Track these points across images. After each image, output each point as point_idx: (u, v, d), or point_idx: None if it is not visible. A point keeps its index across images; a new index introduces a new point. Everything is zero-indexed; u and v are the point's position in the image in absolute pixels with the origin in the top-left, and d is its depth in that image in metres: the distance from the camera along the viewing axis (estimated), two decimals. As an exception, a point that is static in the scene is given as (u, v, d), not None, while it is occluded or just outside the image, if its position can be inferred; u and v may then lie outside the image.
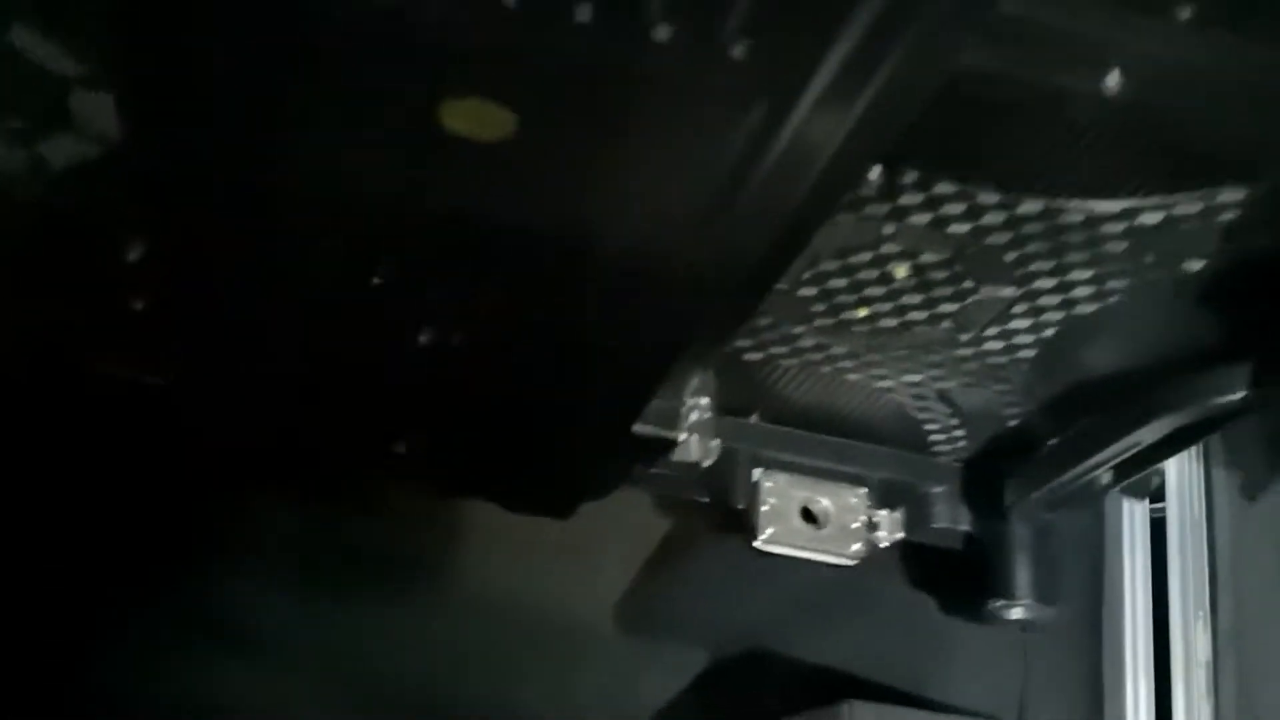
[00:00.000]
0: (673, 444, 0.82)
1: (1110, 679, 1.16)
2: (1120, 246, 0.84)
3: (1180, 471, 1.17)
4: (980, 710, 1.21)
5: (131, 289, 0.91)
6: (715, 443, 0.87)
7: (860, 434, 1.17)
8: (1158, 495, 1.18)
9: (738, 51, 0.46)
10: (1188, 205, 0.79)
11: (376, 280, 0.61)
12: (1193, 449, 1.14)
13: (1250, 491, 1.10)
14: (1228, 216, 0.79)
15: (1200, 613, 1.10)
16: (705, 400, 0.85)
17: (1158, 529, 1.16)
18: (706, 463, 0.88)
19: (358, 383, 0.75)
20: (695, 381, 0.83)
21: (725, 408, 1.12)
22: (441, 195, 0.55)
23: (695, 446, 0.84)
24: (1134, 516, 1.20)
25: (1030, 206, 0.81)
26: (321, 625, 1.21)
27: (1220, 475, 1.13)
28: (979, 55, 0.65)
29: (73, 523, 1.16)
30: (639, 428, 0.79)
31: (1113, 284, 0.88)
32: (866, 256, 0.89)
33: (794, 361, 1.04)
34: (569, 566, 1.20)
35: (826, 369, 1.05)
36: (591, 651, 1.26)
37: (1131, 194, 0.78)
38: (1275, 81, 0.65)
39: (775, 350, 1.03)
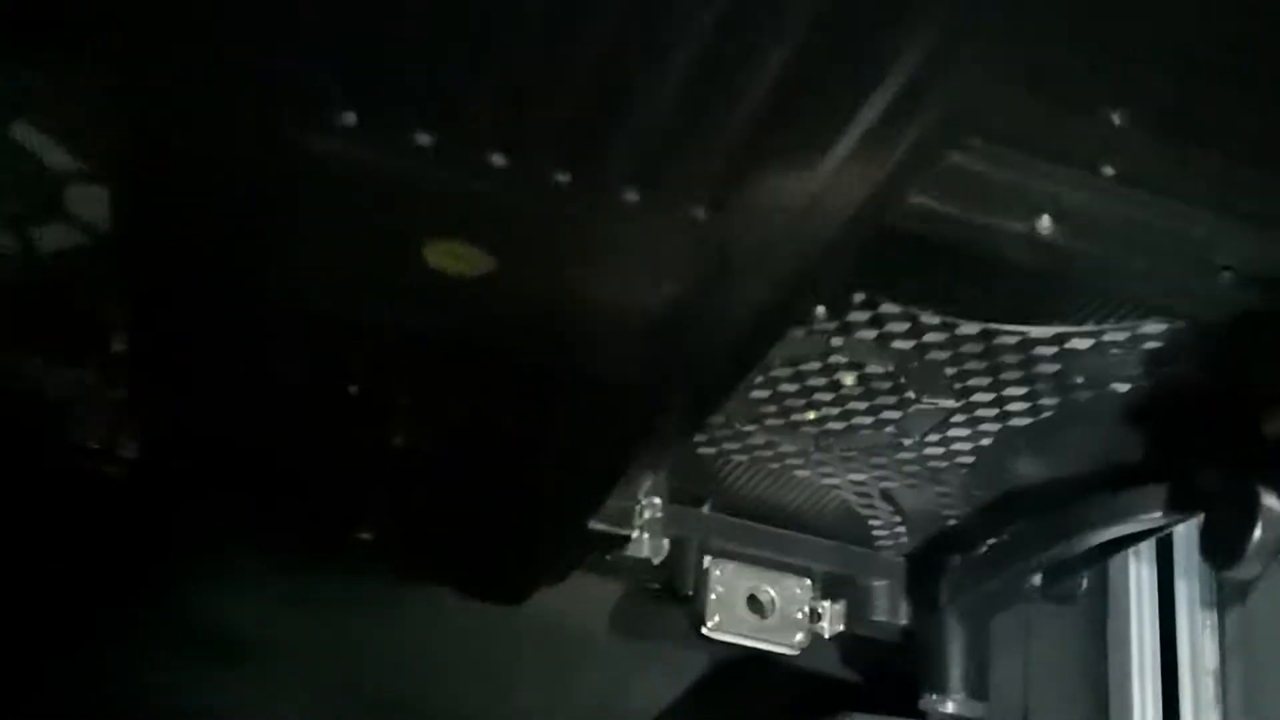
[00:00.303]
0: (626, 540, 0.86)
1: (1116, 689, 1.13)
2: (1052, 368, 0.89)
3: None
4: None
5: (111, 370, 0.95)
6: (665, 541, 0.91)
7: (807, 527, 1.21)
8: None
9: (699, 212, 0.51)
10: (1115, 334, 0.85)
11: (352, 389, 0.65)
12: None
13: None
14: (1151, 346, 0.85)
15: (1207, 621, 1.09)
16: (657, 500, 0.89)
17: (1164, 536, 1.13)
18: (657, 559, 0.92)
19: (330, 474, 0.79)
20: (648, 482, 0.88)
21: (678, 497, 1.17)
22: (420, 321, 0.59)
23: (647, 544, 0.88)
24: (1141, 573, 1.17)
25: (968, 329, 0.86)
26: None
27: None
28: (921, 198, 0.70)
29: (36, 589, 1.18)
30: (594, 524, 0.83)
31: (1045, 401, 0.94)
32: (816, 365, 0.94)
33: (745, 457, 1.08)
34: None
35: (776, 465, 1.10)
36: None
37: (1062, 322, 0.84)
38: (1187, 234, 0.71)
39: (727, 446, 1.07)
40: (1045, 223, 0.72)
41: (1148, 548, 1.15)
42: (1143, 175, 0.69)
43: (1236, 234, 0.71)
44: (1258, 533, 0.73)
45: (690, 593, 1.18)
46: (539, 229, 0.51)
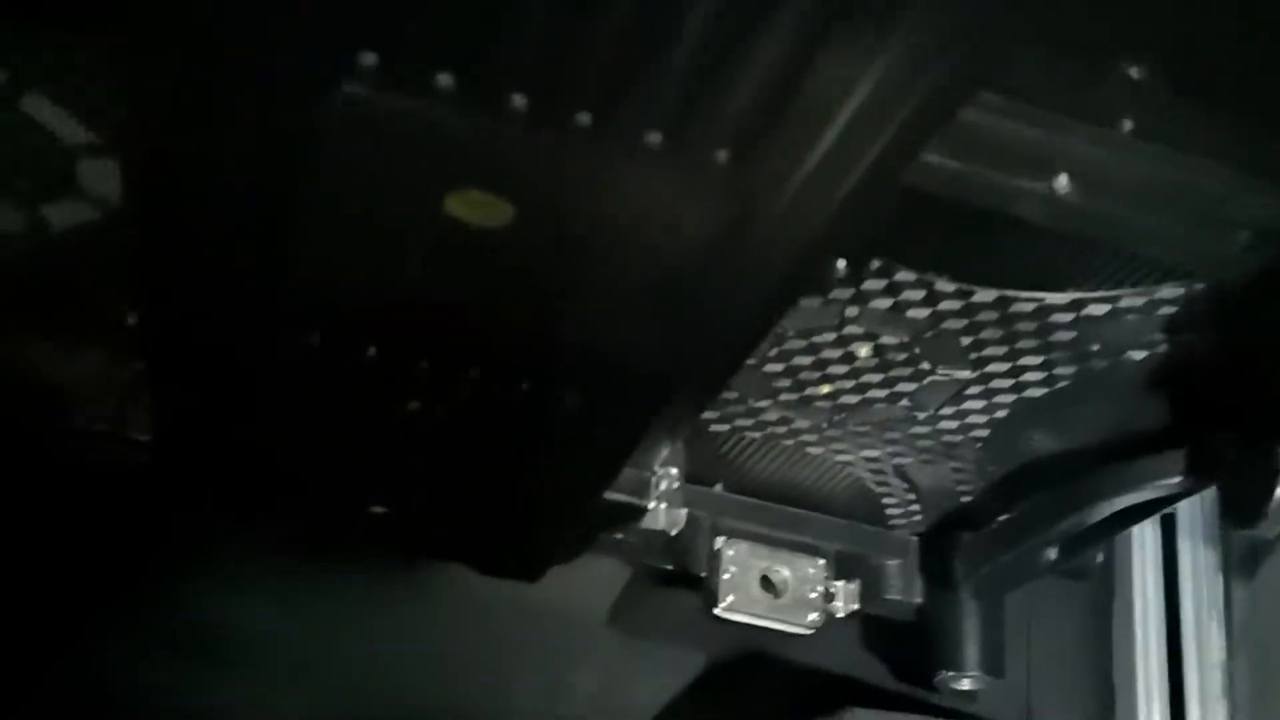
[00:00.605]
0: (642, 511, 0.86)
1: (1121, 684, 1.13)
2: (1068, 335, 0.89)
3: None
4: (984, 713, 1.19)
5: (123, 351, 0.94)
6: (682, 511, 0.91)
7: (820, 506, 1.21)
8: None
9: (721, 157, 0.50)
10: (1131, 299, 0.85)
11: (371, 352, 0.65)
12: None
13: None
14: (1168, 311, 0.84)
15: (1214, 612, 1.09)
16: (674, 470, 0.89)
17: (1168, 526, 1.15)
18: (673, 531, 0.91)
19: (343, 446, 0.79)
20: (665, 452, 0.87)
21: (690, 477, 1.16)
22: (437, 280, 0.59)
23: (663, 515, 0.88)
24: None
25: (984, 295, 0.86)
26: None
27: None
28: (938, 157, 0.70)
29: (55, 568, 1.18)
30: (610, 495, 0.83)
31: (1061, 370, 0.93)
32: (830, 337, 0.93)
33: (758, 434, 1.08)
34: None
35: (789, 442, 1.10)
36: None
37: (1079, 287, 0.84)
38: (1205, 192, 0.70)
39: (740, 423, 1.07)
40: (1063, 181, 0.72)
41: (1153, 539, 1.15)
42: (1161, 131, 0.69)
43: (1256, 192, 0.71)
44: (1279, 492, 0.72)
45: (703, 573, 1.17)
46: (560, 174, 0.51)
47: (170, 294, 0.71)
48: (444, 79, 0.47)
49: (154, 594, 1.22)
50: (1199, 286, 0.80)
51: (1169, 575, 1.14)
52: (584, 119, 0.48)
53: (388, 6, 0.44)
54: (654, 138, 0.48)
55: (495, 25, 0.45)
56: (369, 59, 0.46)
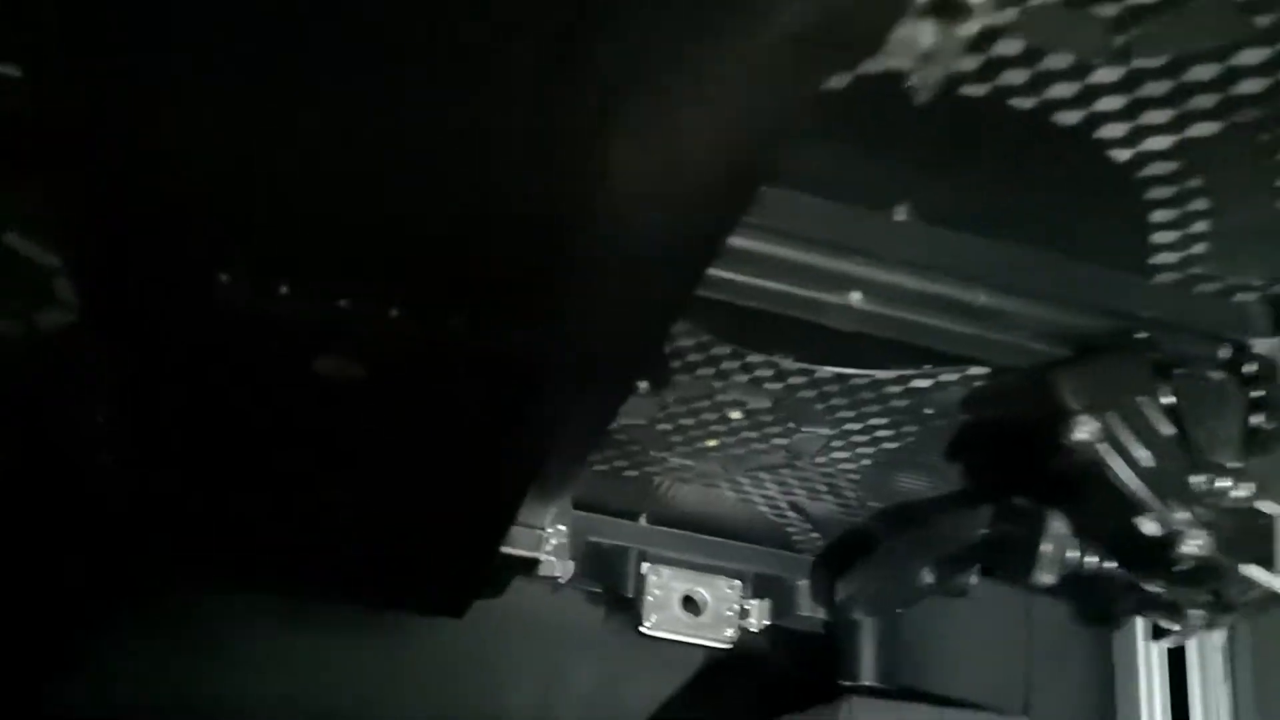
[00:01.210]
0: (536, 563, 1.02)
1: (1122, 665, 1.11)
2: (903, 402, 1.04)
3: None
4: (984, 701, 1.22)
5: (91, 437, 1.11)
6: (570, 563, 1.07)
7: (735, 534, 1.36)
8: None
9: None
10: (948, 375, 0.99)
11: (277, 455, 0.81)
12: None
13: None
14: (980, 384, 0.99)
15: None
16: (563, 527, 1.04)
17: None
18: (565, 579, 1.07)
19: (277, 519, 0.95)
20: (553, 512, 1.03)
21: (618, 512, 1.33)
22: (318, 415, 0.75)
23: (556, 565, 1.04)
24: None
25: (824, 373, 1.01)
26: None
27: None
28: (747, 275, 0.85)
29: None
30: (506, 549, 0.99)
31: (906, 427, 1.08)
32: (705, 403, 1.08)
33: (666, 479, 1.23)
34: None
35: (696, 483, 1.25)
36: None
37: (901, 367, 0.98)
38: (972, 304, 0.85)
39: (649, 469, 1.22)
40: (857, 296, 0.86)
41: None
42: (926, 260, 0.83)
43: (1012, 303, 0.85)
44: (1045, 548, 0.87)
45: (630, 595, 1.33)
46: (387, 349, 0.67)
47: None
48: (283, 288, 0.62)
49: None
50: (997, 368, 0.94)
51: None
52: (396, 313, 0.63)
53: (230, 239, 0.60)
54: (457, 323, 0.63)
55: (317, 256, 0.60)
56: (223, 277, 0.62)
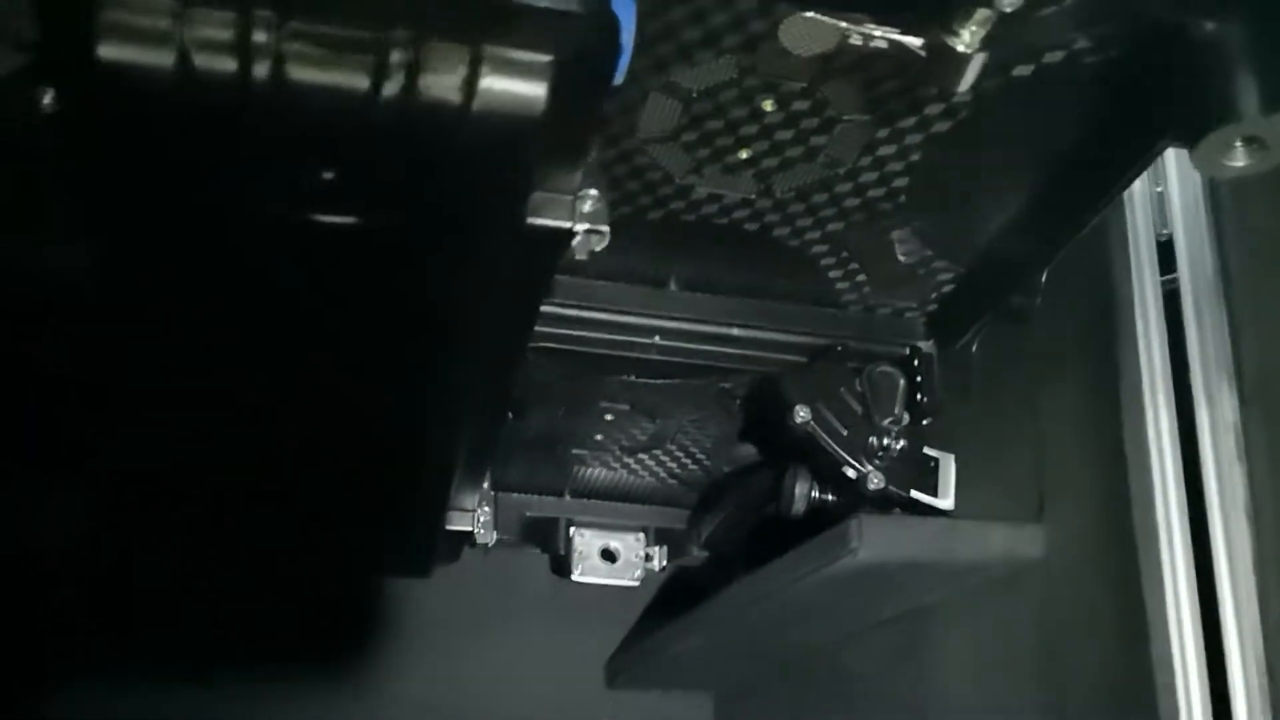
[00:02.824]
0: (471, 535, 1.47)
1: (1133, 455, 1.08)
2: (711, 398, 1.49)
3: (1189, 235, 1.12)
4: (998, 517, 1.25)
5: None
6: (494, 535, 1.52)
7: (637, 499, 1.82)
8: (1168, 266, 1.12)
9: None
10: (725, 381, 1.44)
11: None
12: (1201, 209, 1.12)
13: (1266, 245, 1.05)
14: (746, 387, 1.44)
15: (1223, 372, 1.04)
16: (487, 508, 1.50)
17: (1171, 300, 1.11)
18: (491, 543, 1.53)
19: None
20: (479, 496, 1.48)
21: (547, 489, 1.79)
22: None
23: (483, 535, 1.49)
24: (1144, 286, 1.13)
25: (656, 382, 1.46)
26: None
27: (1232, 231, 1.08)
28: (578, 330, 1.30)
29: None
30: (450, 525, 1.44)
31: (719, 417, 1.53)
32: (586, 416, 1.53)
33: (580, 466, 1.68)
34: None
35: (602, 466, 1.70)
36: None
37: (700, 377, 1.43)
38: (730, 334, 1.29)
39: (567, 461, 1.68)
40: (658, 338, 1.31)
41: (1155, 309, 1.11)
42: (694, 313, 1.28)
43: (756, 334, 1.30)
44: (796, 490, 1.32)
45: (562, 552, 1.79)
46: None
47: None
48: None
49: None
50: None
51: (1175, 346, 1.09)
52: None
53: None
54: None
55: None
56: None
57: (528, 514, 1.78)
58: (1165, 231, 1.14)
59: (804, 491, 1.30)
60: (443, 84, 0.73)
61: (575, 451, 1.62)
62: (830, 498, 1.30)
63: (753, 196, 1.08)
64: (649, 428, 1.55)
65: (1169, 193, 1.15)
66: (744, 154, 1.03)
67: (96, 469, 1.20)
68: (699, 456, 1.63)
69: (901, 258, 1.17)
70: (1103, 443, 1.12)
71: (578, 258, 0.89)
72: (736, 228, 1.13)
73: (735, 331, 1.27)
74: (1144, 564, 1.06)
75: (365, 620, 1.80)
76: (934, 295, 1.24)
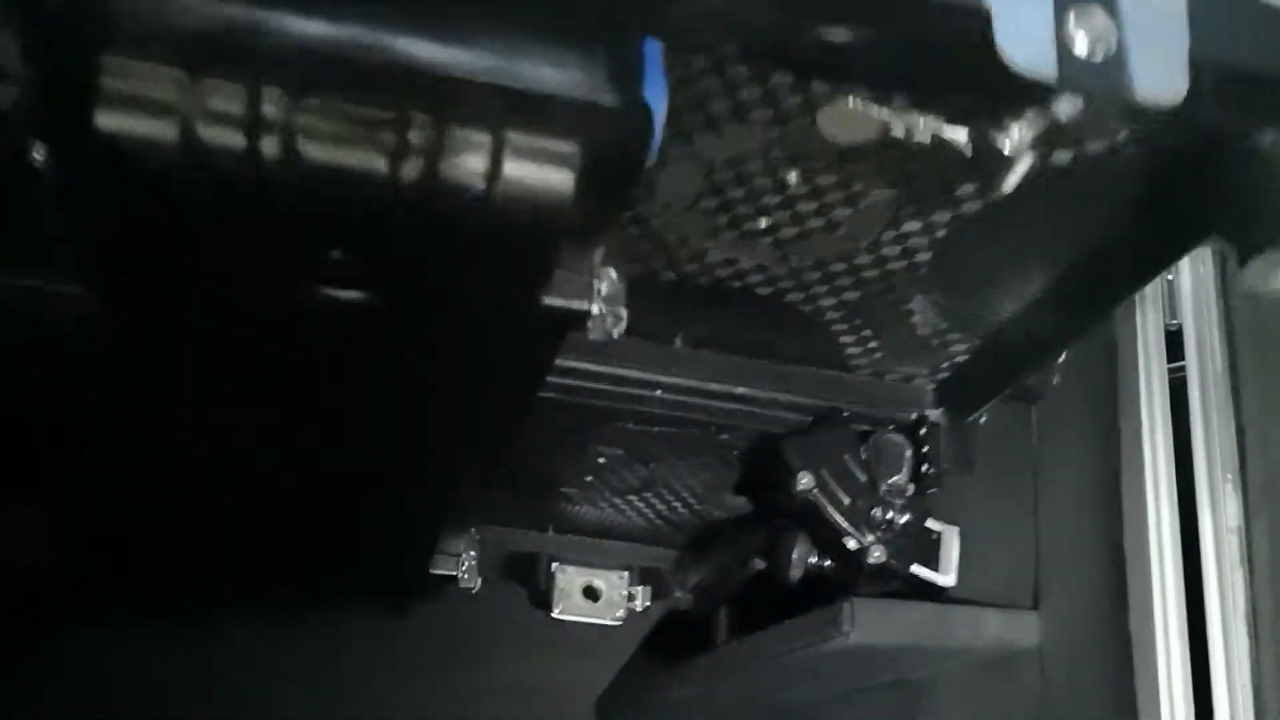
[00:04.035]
0: (455, 579, 1.43)
1: (1133, 552, 1.07)
2: (709, 447, 1.45)
3: (1199, 327, 1.10)
4: (992, 598, 1.25)
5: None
6: (479, 579, 1.48)
7: (622, 536, 1.78)
8: (1176, 354, 1.10)
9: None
10: (726, 435, 1.40)
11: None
12: (1212, 304, 1.10)
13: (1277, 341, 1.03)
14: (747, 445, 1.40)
15: (1228, 474, 1.03)
16: (473, 553, 1.45)
17: (1178, 390, 1.09)
18: (475, 590, 1.48)
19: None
20: (465, 541, 1.44)
21: (531, 525, 1.74)
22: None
23: (469, 578, 1.45)
24: (1151, 378, 1.11)
25: (657, 430, 1.42)
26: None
27: (1243, 324, 1.06)
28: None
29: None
30: (435, 569, 1.40)
31: (716, 466, 1.49)
32: (582, 462, 1.49)
33: (566, 503, 1.64)
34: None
35: (588, 504, 1.66)
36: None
37: (700, 427, 1.39)
38: (733, 391, 1.25)
39: (552, 498, 1.64)
40: (660, 392, 1.27)
41: (1160, 399, 1.10)
42: (697, 370, 1.24)
43: (760, 393, 1.26)
44: (795, 554, 1.28)
45: (543, 589, 1.75)
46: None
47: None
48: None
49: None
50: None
51: (1180, 439, 1.07)
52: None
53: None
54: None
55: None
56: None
57: (509, 548, 1.74)
58: (1175, 321, 1.12)
59: (802, 557, 1.26)
60: (464, 169, 0.68)
61: (564, 490, 1.58)
62: (828, 563, 1.25)
63: (769, 263, 1.03)
64: (642, 472, 1.51)
65: (1179, 282, 1.14)
66: (763, 222, 0.98)
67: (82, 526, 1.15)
68: (690, 501, 1.59)
69: (917, 328, 1.13)
70: (1102, 538, 1.11)
71: (592, 338, 0.84)
72: (749, 290, 1.08)
73: (740, 390, 1.24)
74: (1139, 667, 1.05)
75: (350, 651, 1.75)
76: (946, 365, 1.20)
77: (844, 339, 1.18)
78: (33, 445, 1.10)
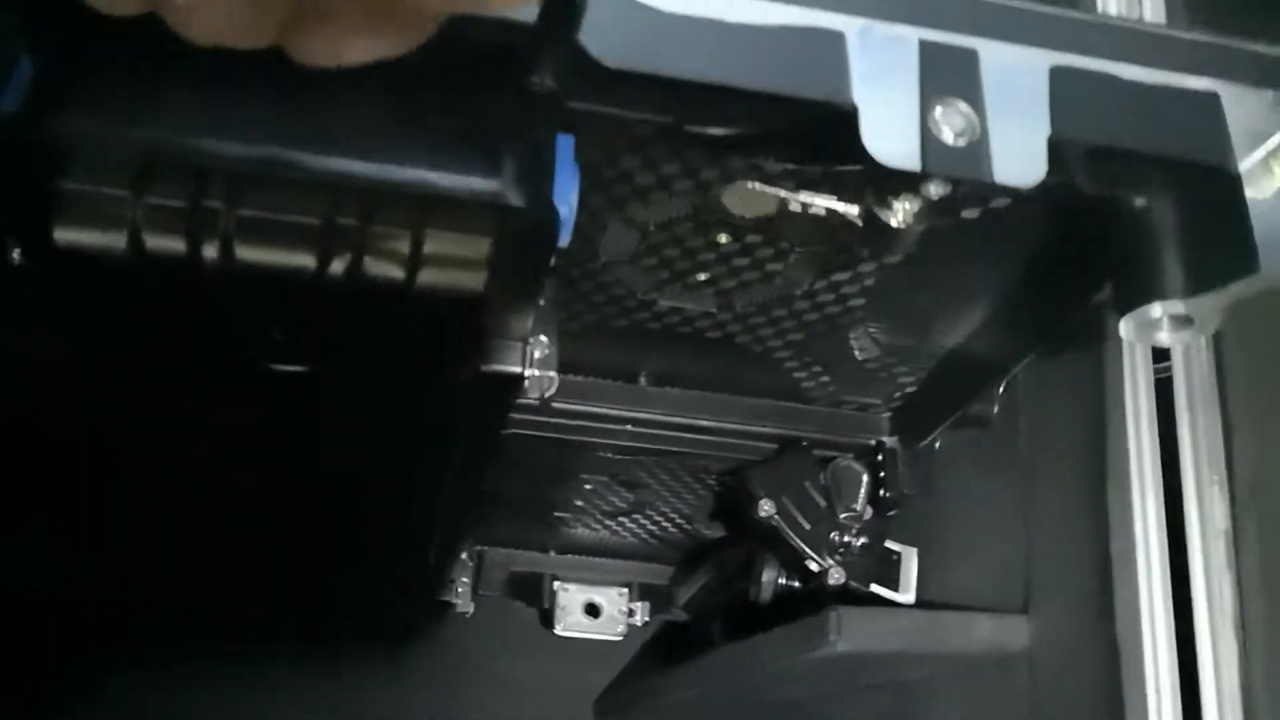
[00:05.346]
0: (452, 604, 1.51)
1: (1119, 554, 1.06)
2: (687, 475, 1.51)
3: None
4: (982, 602, 1.26)
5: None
6: (472, 605, 1.56)
7: (621, 555, 1.85)
8: (1161, 355, 1.08)
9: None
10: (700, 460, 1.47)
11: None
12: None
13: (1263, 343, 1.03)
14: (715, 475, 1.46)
15: (1215, 476, 1.02)
16: (466, 579, 1.53)
17: (1164, 391, 1.07)
18: (469, 613, 1.56)
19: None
20: (459, 567, 1.52)
21: (533, 545, 1.82)
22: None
23: (462, 605, 1.53)
24: (1137, 380, 1.09)
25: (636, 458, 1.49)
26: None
27: (1229, 325, 0.99)
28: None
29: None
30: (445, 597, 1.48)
31: (693, 492, 1.56)
32: (570, 490, 1.56)
33: (564, 526, 1.72)
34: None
35: (584, 527, 1.74)
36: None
37: (670, 455, 1.46)
38: (700, 424, 1.32)
39: (549, 521, 1.71)
40: (629, 427, 1.34)
41: (1147, 399, 1.08)
42: (663, 406, 1.30)
43: (725, 424, 1.32)
44: (764, 578, 1.35)
45: (546, 607, 1.82)
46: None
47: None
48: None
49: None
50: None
51: (1166, 441, 1.06)
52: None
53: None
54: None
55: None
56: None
57: (512, 570, 1.81)
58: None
59: (771, 579, 1.32)
60: (386, 265, 0.75)
61: (557, 514, 1.65)
62: (797, 584, 1.32)
63: (714, 310, 1.10)
64: (629, 496, 1.58)
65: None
66: (702, 276, 1.05)
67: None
68: (679, 522, 1.66)
69: (863, 363, 1.19)
70: (1090, 540, 1.11)
71: (530, 397, 0.91)
72: (700, 334, 1.15)
73: (704, 423, 1.30)
74: (1126, 670, 1.05)
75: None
76: (898, 394, 1.26)
77: (797, 374, 1.24)
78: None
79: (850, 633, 1.18)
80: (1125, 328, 0.82)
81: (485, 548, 1.81)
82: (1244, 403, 1.02)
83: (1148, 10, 1.21)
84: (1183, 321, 0.80)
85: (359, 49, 0.51)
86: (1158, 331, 0.82)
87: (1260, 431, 1.01)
